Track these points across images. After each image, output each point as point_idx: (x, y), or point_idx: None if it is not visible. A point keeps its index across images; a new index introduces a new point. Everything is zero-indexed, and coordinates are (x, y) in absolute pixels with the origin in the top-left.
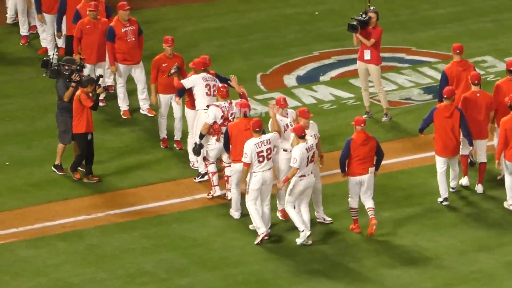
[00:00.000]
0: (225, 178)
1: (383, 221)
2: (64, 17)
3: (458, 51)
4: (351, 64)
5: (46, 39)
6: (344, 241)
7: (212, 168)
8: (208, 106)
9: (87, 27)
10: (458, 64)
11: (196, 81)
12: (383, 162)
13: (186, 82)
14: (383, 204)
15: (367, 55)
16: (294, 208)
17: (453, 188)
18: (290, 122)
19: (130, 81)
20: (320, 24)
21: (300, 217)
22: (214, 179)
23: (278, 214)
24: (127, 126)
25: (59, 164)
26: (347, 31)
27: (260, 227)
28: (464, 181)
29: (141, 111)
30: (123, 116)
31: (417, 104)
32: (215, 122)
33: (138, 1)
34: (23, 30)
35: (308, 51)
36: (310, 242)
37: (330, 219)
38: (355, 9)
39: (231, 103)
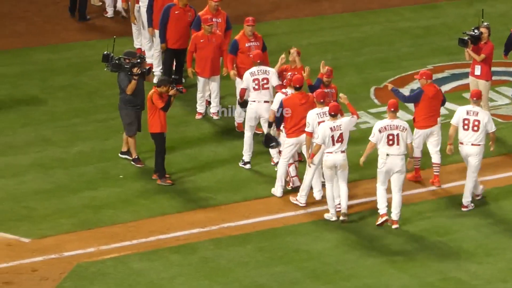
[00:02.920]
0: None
1: (501, 232)
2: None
3: None
4: (465, 78)
5: (154, 55)
6: (454, 254)
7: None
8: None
9: (201, 41)
10: None
11: (246, 79)
12: (492, 177)
13: (243, 85)
14: (496, 216)
15: (478, 70)
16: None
17: None
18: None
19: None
20: (434, 38)
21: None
22: (291, 170)
23: None
24: (241, 139)
25: (136, 157)
26: (458, 45)
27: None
28: None
29: None
30: (237, 130)
31: None
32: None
33: (253, 15)
34: (137, 43)
35: (422, 64)
36: (334, 218)
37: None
38: (469, 23)
39: None
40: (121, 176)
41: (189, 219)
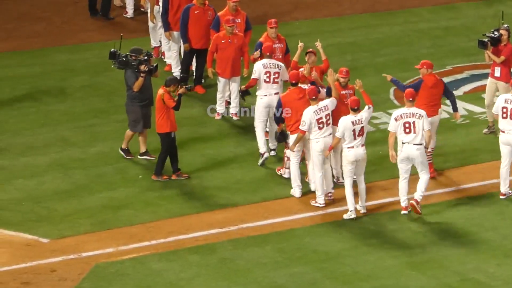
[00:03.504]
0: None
1: None
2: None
3: None
4: (484, 79)
5: (171, 56)
6: (473, 255)
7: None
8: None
9: (222, 41)
10: None
11: (258, 69)
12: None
13: (254, 75)
14: None
15: (497, 72)
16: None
17: None
18: None
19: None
20: (453, 39)
21: (352, 195)
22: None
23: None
24: None
25: (126, 148)
26: (477, 47)
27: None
28: None
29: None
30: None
31: None
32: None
33: (272, 15)
34: (153, 42)
35: (441, 65)
36: (353, 216)
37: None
38: (488, 24)
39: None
40: (140, 177)
41: (208, 220)
